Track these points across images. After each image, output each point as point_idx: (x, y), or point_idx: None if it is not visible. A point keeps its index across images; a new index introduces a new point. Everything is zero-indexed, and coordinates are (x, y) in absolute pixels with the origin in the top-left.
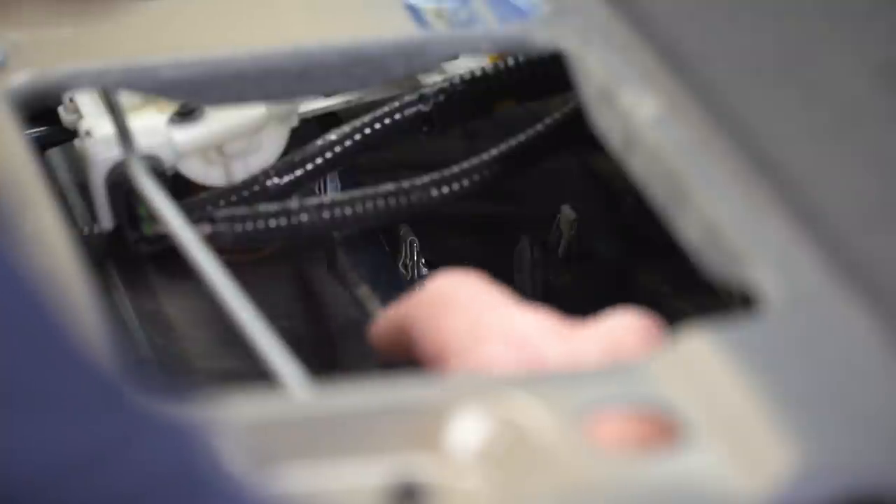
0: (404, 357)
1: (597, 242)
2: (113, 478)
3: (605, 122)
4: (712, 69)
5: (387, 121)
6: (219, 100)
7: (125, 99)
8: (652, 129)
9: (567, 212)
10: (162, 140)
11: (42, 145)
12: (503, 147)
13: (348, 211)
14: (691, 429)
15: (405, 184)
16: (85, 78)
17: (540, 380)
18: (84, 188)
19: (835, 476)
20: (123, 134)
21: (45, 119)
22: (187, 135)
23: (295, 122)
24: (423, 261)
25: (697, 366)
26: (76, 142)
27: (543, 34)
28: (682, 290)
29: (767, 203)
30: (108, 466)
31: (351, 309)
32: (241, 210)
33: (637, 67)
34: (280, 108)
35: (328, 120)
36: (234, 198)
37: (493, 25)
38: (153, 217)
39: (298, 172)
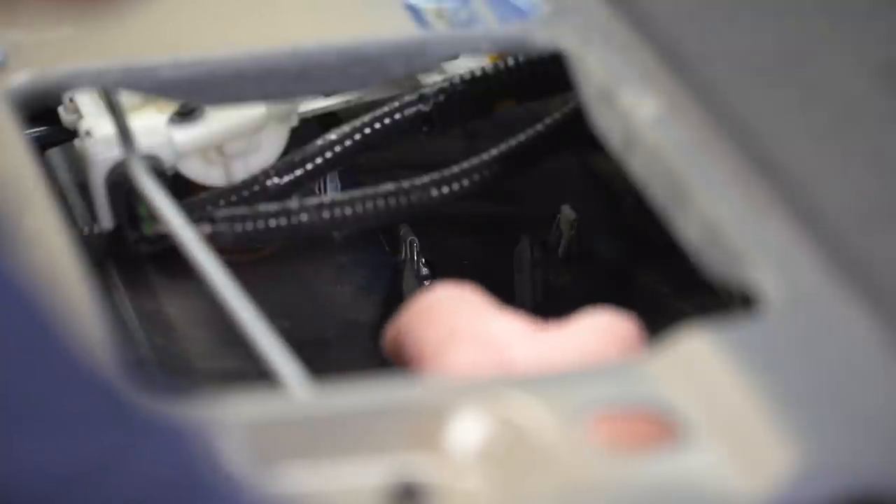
0: (406, 367)
1: (597, 242)
2: (115, 486)
3: (605, 122)
4: (712, 69)
5: (387, 121)
6: (219, 100)
7: (125, 99)
8: (652, 129)
9: (567, 212)
10: (162, 140)
11: (42, 145)
12: (503, 147)
13: (348, 211)
14: (691, 429)
15: (405, 184)
16: (85, 78)
17: (540, 380)
18: (84, 188)
19: (835, 476)
20: (124, 134)
21: (45, 119)
22: (187, 135)
23: (295, 122)
24: (423, 261)
25: (697, 366)
26: (76, 142)
27: (543, 34)
28: (682, 290)
29: (767, 203)
30: (110, 474)
31: (351, 309)
32: (241, 210)
33: (637, 67)
34: (280, 108)
35: (328, 120)
36: (234, 198)
37: (493, 25)
38: (153, 217)
39: (298, 172)
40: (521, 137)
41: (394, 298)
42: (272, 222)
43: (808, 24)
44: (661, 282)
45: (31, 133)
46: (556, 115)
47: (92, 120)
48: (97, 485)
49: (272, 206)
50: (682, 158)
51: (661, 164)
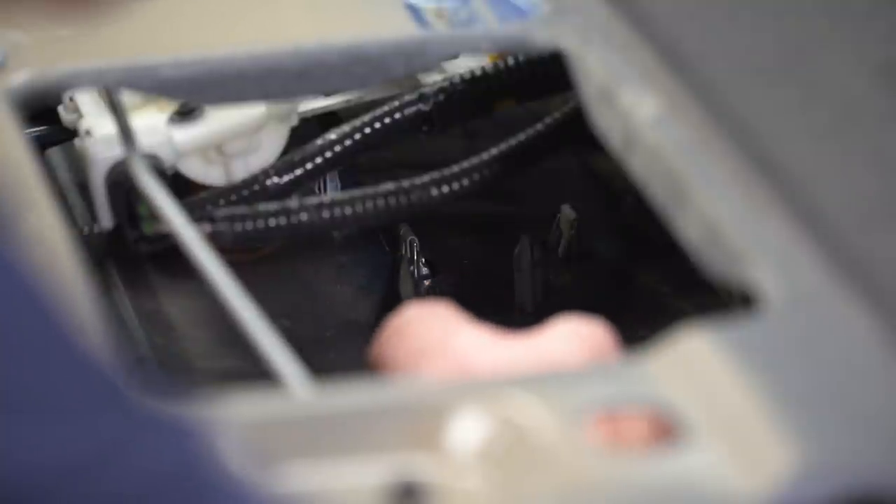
0: None
1: (597, 242)
2: (115, 479)
3: (605, 122)
4: (712, 69)
5: (387, 120)
6: (219, 99)
7: (125, 98)
8: (652, 128)
9: (567, 212)
10: (162, 139)
11: (42, 145)
12: (503, 147)
13: (348, 210)
14: (691, 429)
15: (405, 183)
16: (85, 77)
17: (540, 380)
18: (84, 188)
19: (835, 476)
20: (125, 133)
21: (45, 119)
22: (187, 134)
23: (295, 122)
24: (423, 260)
25: (697, 366)
26: (76, 141)
27: (543, 34)
28: (682, 289)
29: (767, 203)
30: (110, 467)
31: (351, 309)
32: (241, 209)
33: (637, 67)
34: (280, 107)
35: (328, 119)
36: (234, 197)
37: (493, 25)
38: (153, 216)
39: (298, 172)
40: (521, 137)
41: (393, 298)
42: (272, 222)
43: (808, 24)
44: (661, 282)
45: (31, 133)
46: (556, 115)
47: (92, 119)
48: (98, 477)
49: (272, 206)
50: (682, 158)
51: (661, 164)
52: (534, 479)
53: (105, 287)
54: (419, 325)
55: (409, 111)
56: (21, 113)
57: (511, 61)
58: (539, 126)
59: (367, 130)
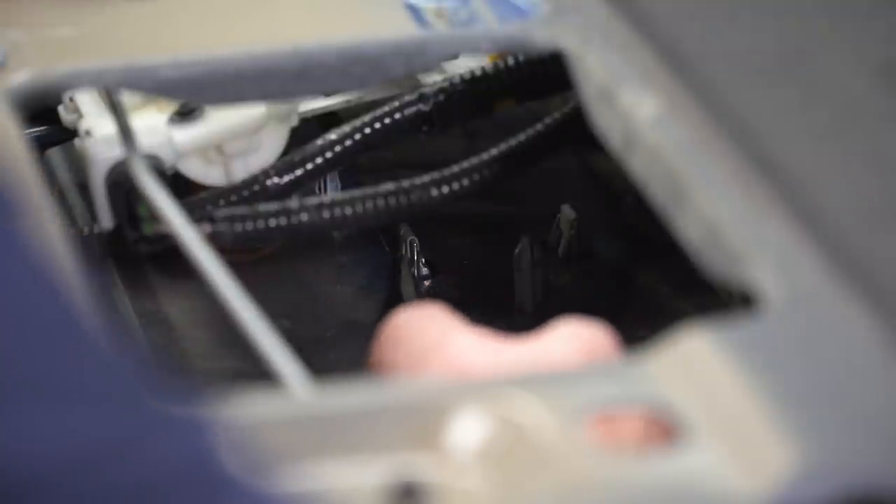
0: None
1: (597, 242)
2: (127, 470)
3: (605, 122)
4: (712, 69)
5: (387, 120)
6: (218, 99)
7: (125, 98)
8: (652, 128)
9: (567, 212)
10: (162, 139)
11: (42, 145)
12: (503, 147)
13: (348, 211)
14: (691, 429)
15: (405, 183)
16: (85, 77)
17: (540, 380)
18: (84, 188)
19: (834, 476)
20: (125, 133)
21: (45, 119)
22: (187, 134)
23: (295, 122)
24: (423, 260)
25: (697, 366)
26: (76, 141)
27: (543, 34)
28: (682, 290)
29: (767, 203)
30: (123, 459)
31: (351, 309)
32: (241, 210)
33: (637, 67)
34: (280, 107)
35: (328, 120)
36: (234, 197)
37: (493, 25)
38: (153, 216)
39: (298, 172)
40: (521, 137)
41: (394, 298)
42: (272, 222)
43: (808, 24)
44: (661, 282)
45: (31, 133)
46: (556, 115)
47: (92, 119)
48: (110, 468)
49: (272, 206)
50: (681, 158)
51: (661, 164)
52: (534, 479)
53: (105, 288)
54: (414, 329)
55: (409, 111)
56: (21, 113)
57: (511, 61)
58: (539, 126)
59: (367, 130)
